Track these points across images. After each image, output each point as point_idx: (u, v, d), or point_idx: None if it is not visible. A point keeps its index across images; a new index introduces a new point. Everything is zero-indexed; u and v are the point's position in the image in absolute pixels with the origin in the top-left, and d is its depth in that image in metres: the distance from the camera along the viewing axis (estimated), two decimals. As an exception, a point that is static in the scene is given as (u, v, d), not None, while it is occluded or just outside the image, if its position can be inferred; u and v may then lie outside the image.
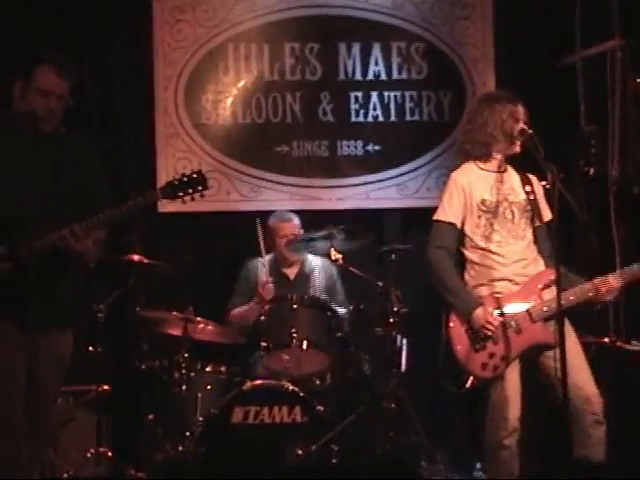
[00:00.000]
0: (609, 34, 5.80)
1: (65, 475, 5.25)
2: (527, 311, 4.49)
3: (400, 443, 5.36)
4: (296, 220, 5.95)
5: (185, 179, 4.11)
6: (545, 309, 4.46)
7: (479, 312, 4.45)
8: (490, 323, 4.43)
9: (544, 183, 4.46)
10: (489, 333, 4.44)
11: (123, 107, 6.31)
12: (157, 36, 6.35)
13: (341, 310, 5.69)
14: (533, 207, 4.58)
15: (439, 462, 5.44)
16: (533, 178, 4.63)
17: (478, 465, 5.62)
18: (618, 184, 5.72)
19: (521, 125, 4.53)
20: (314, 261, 6.01)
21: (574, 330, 4.50)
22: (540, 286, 4.51)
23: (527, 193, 4.60)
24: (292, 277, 5.96)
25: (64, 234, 3.92)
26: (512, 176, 4.67)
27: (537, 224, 4.58)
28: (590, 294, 4.52)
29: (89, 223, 3.97)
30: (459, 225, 4.60)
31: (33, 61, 4.08)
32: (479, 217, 4.57)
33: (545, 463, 5.01)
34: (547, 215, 4.57)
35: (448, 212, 4.61)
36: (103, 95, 6.25)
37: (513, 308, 4.48)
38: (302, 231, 5.91)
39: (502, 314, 4.46)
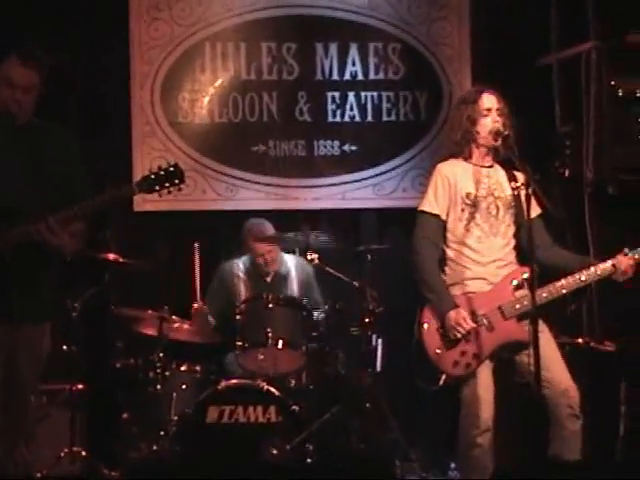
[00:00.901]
0: (585, 35, 5.82)
1: (39, 474, 5.21)
2: (499, 308, 4.47)
3: (375, 442, 5.37)
4: (271, 230, 5.90)
5: (162, 172, 4.08)
6: (517, 306, 4.46)
7: (452, 314, 4.43)
8: (461, 326, 4.41)
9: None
10: (459, 335, 4.43)
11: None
12: (134, 34, 6.33)
13: (317, 309, 5.69)
14: (517, 204, 4.54)
15: (414, 461, 5.47)
16: (519, 175, 4.55)
17: (452, 465, 5.63)
18: (593, 185, 5.74)
19: (494, 124, 4.52)
20: (290, 261, 6.00)
21: (548, 328, 4.50)
22: (513, 284, 4.50)
23: (513, 189, 4.55)
24: (269, 279, 5.94)
25: (39, 227, 3.89)
26: (498, 171, 4.65)
27: (529, 218, 4.37)
28: (609, 272, 4.49)
29: (64, 215, 3.93)
30: (444, 217, 4.57)
31: (2, 53, 4.05)
32: (462, 210, 4.55)
33: (521, 462, 5.02)
34: (537, 209, 4.49)
35: (433, 203, 4.58)
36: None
37: (485, 306, 4.47)
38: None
39: (474, 314, 4.45)
